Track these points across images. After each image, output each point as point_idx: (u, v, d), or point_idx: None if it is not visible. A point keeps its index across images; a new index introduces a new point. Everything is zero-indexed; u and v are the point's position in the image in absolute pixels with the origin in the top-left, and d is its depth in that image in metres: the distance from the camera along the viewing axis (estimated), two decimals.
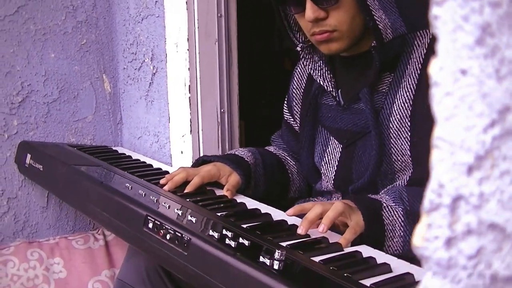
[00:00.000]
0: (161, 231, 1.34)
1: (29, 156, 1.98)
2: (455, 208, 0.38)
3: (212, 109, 2.00)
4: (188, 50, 1.94)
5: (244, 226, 1.29)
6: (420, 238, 0.40)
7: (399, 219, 1.28)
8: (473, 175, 0.38)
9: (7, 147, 2.06)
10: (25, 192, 2.11)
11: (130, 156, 2.05)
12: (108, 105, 2.28)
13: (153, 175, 1.73)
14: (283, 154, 1.78)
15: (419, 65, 1.39)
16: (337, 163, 1.55)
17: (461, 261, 0.39)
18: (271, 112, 2.31)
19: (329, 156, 1.57)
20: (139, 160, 1.99)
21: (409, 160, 1.40)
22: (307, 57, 1.56)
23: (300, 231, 1.23)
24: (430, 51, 1.38)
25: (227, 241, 1.18)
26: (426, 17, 1.34)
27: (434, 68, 0.39)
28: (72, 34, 2.15)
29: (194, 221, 1.33)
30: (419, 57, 1.40)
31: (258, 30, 4.26)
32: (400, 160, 1.41)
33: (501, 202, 0.37)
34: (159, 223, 1.36)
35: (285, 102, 1.77)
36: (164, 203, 1.47)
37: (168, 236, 1.31)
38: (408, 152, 1.39)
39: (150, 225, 1.38)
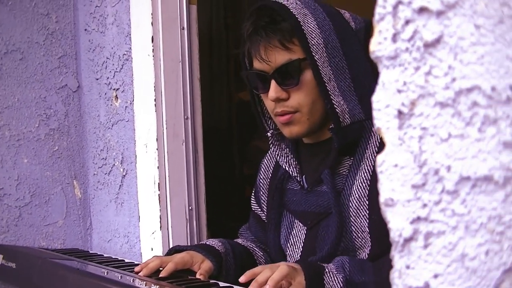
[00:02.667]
0: None
1: (0, 256, 2.01)
2: (396, 12, 0.52)
3: (181, 207, 2.08)
4: (157, 149, 2.04)
5: None
6: (374, 44, 0.53)
7: (338, 285, 1.37)
8: None
9: None
10: None
11: (102, 254, 2.09)
12: (79, 210, 2.34)
13: (127, 266, 1.78)
14: (251, 245, 1.84)
15: (376, 148, 1.51)
16: (302, 245, 1.62)
17: (403, 46, 0.52)
18: (236, 224, 2.40)
19: (294, 239, 1.64)
20: (111, 256, 2.04)
21: (368, 237, 1.48)
22: (275, 143, 1.66)
23: None
24: None
25: None
26: None
27: None
28: (44, 141, 2.25)
29: None
30: (376, 141, 1.51)
31: (218, 155, 4.39)
32: (360, 237, 1.49)
33: None
34: None
35: (253, 194, 1.85)
36: (140, 283, 1.52)
37: None
38: (367, 229, 1.48)
39: None
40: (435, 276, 0.46)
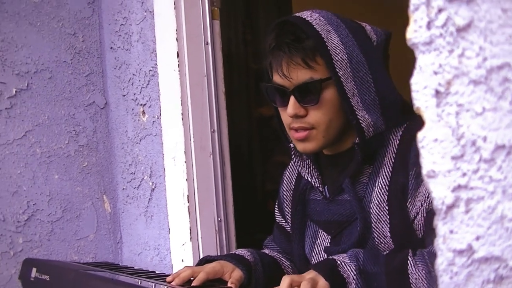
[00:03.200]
0: None
1: (34, 269, 2.05)
2: (430, 2, 0.58)
3: (210, 218, 2.12)
4: (185, 162, 2.09)
5: None
6: (410, 32, 0.59)
7: (352, 273, 1.40)
8: None
9: (12, 264, 2.14)
10: None
11: (132, 267, 2.13)
12: (109, 224, 2.39)
13: (158, 277, 1.81)
14: (277, 256, 1.87)
15: (393, 155, 1.54)
16: (326, 254, 1.65)
17: (437, 32, 0.57)
18: (262, 236, 2.44)
19: (318, 248, 1.66)
20: (141, 268, 2.08)
21: (390, 242, 1.51)
22: (297, 154, 1.69)
23: None
24: (402, 142, 1.55)
25: None
26: (401, 116, 1.54)
27: None
28: (74, 157, 2.31)
29: None
30: (393, 148, 1.54)
31: (241, 170, 4.41)
32: (383, 242, 1.51)
33: None
34: None
35: (276, 205, 1.89)
36: None
37: None
38: (389, 234, 1.51)
39: None
40: (477, 238, 0.51)
